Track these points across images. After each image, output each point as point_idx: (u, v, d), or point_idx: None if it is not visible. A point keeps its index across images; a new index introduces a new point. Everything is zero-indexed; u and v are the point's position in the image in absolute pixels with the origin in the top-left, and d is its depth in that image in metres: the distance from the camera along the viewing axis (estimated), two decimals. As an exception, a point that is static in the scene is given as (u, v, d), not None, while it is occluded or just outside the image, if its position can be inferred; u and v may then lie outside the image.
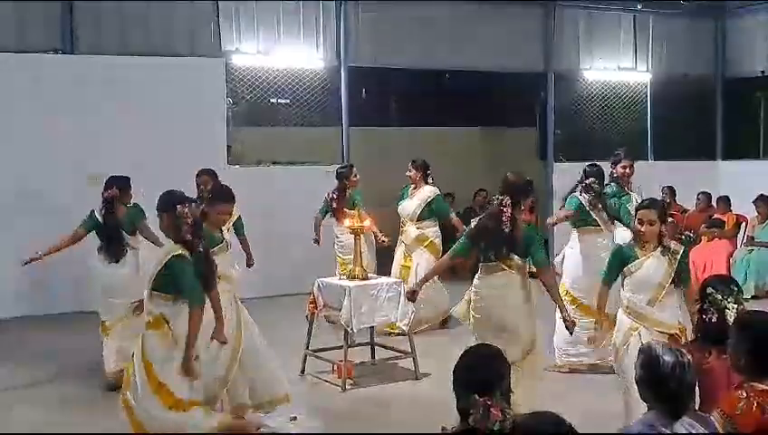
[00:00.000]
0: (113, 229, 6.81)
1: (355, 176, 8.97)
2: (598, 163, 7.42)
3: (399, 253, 8.88)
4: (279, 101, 11.52)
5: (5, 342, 8.42)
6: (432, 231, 8.79)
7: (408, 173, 8.81)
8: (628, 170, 7.47)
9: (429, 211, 8.77)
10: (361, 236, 7.32)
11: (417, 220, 8.74)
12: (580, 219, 7.26)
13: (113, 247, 6.81)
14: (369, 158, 12.23)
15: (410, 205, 8.78)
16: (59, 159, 9.65)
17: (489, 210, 5.70)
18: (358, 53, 11.56)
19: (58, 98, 9.70)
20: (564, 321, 5.54)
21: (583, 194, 7.23)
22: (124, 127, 9.82)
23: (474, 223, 5.72)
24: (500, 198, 5.46)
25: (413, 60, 11.98)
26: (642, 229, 5.20)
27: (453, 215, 9.06)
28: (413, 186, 8.83)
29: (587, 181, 7.18)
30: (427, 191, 8.75)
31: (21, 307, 9.42)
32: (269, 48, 11.15)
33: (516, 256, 5.45)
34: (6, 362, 7.60)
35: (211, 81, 10.56)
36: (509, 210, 5.37)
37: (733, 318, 3.93)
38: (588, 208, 7.19)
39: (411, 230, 8.75)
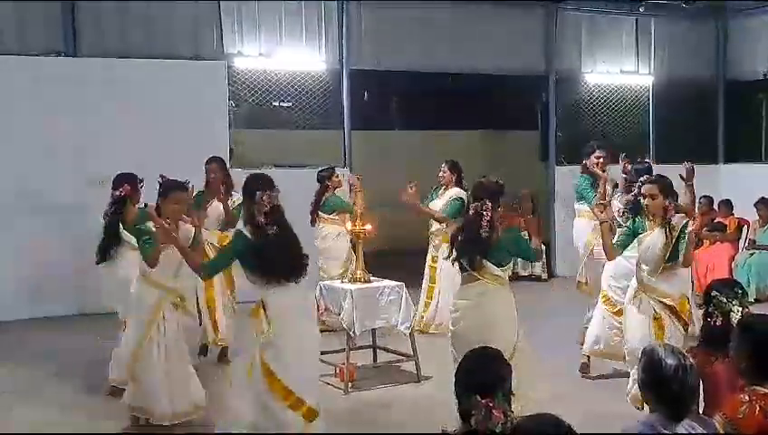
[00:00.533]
0: (114, 228, 6.52)
1: (336, 176, 9.02)
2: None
3: (429, 254, 8.91)
4: (281, 103, 11.50)
5: (6, 342, 8.42)
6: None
7: (440, 174, 8.79)
8: (601, 161, 7.69)
9: None
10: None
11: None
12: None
13: (106, 247, 6.53)
14: (371, 160, 12.25)
15: (437, 204, 8.76)
16: (59, 159, 9.65)
17: (465, 218, 5.59)
18: (359, 56, 11.55)
19: (59, 99, 9.69)
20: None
21: (621, 197, 7.09)
22: (125, 129, 9.81)
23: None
24: (478, 203, 5.32)
25: (415, 62, 11.97)
26: (646, 203, 5.74)
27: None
28: (444, 187, 8.81)
29: (643, 179, 6.62)
30: (453, 192, 8.71)
31: (21, 310, 9.40)
32: (271, 51, 11.14)
33: (491, 265, 5.28)
34: (6, 362, 7.60)
35: (213, 83, 10.56)
36: (489, 213, 5.26)
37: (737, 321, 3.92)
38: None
39: (436, 229, 8.76)
